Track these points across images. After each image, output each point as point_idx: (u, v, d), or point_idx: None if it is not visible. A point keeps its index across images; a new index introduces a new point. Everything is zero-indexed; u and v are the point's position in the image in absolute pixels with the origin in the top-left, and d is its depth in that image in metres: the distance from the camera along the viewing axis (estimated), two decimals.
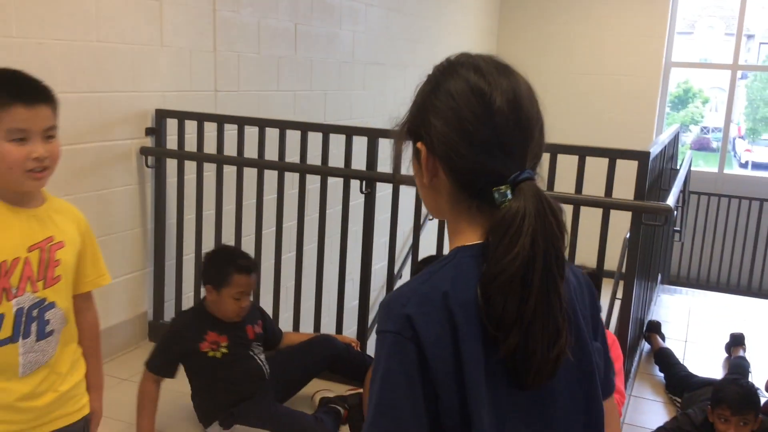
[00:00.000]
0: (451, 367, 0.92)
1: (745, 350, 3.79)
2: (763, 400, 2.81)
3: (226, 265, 2.54)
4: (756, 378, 3.44)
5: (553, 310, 0.92)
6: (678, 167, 4.58)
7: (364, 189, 3.05)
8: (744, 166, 11.53)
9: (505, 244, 0.91)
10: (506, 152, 0.96)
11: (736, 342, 3.83)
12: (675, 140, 4.79)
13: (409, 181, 1.07)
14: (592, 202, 2.68)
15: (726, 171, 7.52)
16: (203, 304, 2.60)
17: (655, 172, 3.33)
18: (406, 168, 1.06)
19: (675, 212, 4.83)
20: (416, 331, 0.92)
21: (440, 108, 0.97)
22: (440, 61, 1.04)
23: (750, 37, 11.13)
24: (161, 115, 3.29)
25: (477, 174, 0.96)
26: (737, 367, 3.56)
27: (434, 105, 0.98)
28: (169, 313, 3.47)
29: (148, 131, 3.27)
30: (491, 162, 0.95)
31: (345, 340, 2.97)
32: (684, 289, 5.69)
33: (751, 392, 2.67)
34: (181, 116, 3.30)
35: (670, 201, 2.83)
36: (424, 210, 3.24)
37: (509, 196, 0.94)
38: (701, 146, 11.80)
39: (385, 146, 3.07)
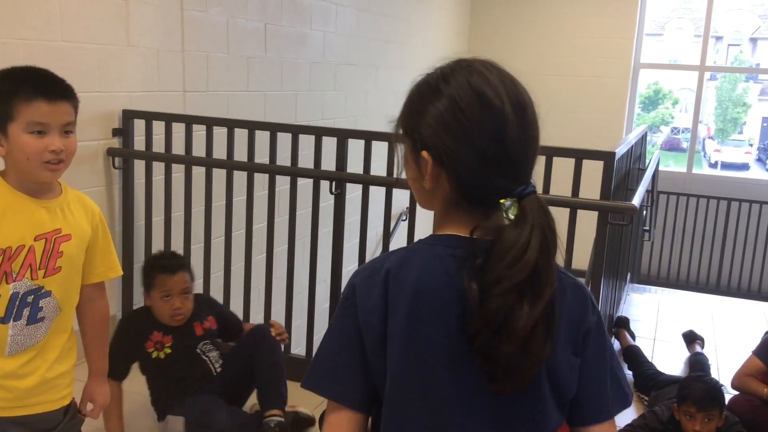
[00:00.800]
0: (379, 337, 1.01)
1: (702, 345, 3.85)
2: (728, 397, 2.86)
3: (150, 267, 2.58)
4: (721, 374, 3.50)
5: (538, 317, 0.95)
6: (646, 167, 4.64)
7: (333, 190, 3.05)
8: (714, 166, 11.71)
9: (513, 256, 0.94)
10: (513, 167, 0.99)
11: (690, 340, 3.89)
12: (642, 141, 4.86)
13: (405, 184, 1.10)
14: (559, 202, 2.71)
15: (695, 171, 7.64)
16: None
17: (622, 172, 3.38)
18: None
19: (644, 212, 4.89)
20: (356, 299, 1.03)
21: (448, 121, 0.98)
22: (440, 63, 1.04)
23: (719, 38, 11.32)
24: (128, 116, 3.25)
25: (484, 188, 0.99)
26: (696, 363, 3.61)
27: (440, 116, 0.99)
28: None
29: (115, 132, 3.24)
30: (499, 177, 0.98)
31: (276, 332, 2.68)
32: (653, 288, 5.77)
33: (716, 389, 2.71)
34: (149, 117, 3.27)
35: (636, 201, 2.86)
36: (394, 211, 3.24)
37: (515, 209, 0.97)
38: (671, 147, 11.98)
39: (354, 147, 3.08)
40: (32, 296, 1.61)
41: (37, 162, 1.55)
